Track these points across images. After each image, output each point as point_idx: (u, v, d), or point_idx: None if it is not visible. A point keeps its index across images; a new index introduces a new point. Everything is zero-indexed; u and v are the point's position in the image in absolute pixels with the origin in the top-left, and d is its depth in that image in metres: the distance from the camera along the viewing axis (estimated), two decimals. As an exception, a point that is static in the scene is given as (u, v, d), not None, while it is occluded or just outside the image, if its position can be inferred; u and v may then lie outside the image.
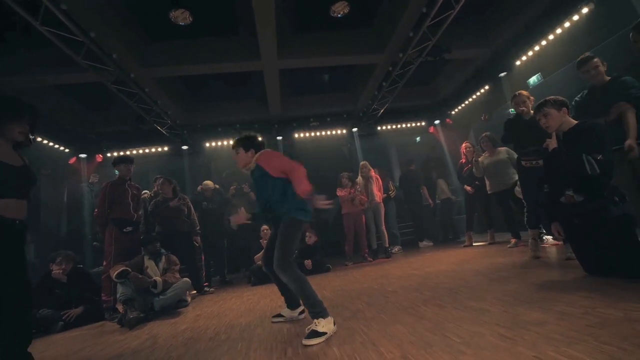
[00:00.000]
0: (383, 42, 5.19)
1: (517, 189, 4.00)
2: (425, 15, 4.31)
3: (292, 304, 2.43)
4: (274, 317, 2.47)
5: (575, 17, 4.54)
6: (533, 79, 5.47)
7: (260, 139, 2.47)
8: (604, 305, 1.58)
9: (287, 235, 2.11)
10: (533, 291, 2.04)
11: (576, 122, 2.32)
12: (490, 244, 4.89)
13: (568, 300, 1.73)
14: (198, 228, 4.84)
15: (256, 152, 2.36)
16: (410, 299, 2.37)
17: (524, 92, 3.34)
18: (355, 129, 7.92)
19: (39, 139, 5.86)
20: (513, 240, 4.18)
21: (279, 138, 7.68)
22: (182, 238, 4.57)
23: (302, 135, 7.82)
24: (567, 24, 4.69)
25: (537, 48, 5.29)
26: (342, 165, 7.43)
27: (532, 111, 3.20)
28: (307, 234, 5.17)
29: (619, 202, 2.02)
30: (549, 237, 3.83)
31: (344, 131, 8.02)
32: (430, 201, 6.71)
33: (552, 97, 2.38)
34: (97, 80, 4.65)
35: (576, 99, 2.92)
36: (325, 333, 1.83)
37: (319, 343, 1.78)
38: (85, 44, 3.86)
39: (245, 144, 2.37)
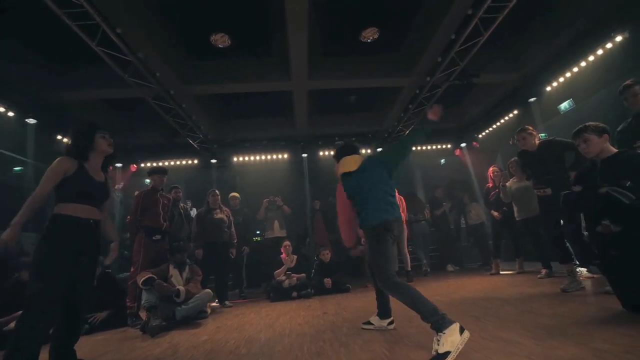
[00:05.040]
0: (411, 66, 5.27)
1: None
2: (454, 41, 4.37)
3: (382, 313, 2.41)
4: (363, 323, 2.47)
5: (609, 45, 4.46)
6: (565, 105, 5.36)
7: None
8: (647, 345, 1.49)
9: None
10: (567, 325, 1.94)
11: (616, 150, 2.27)
12: (518, 273, 4.69)
13: (606, 337, 1.64)
14: (235, 241, 4.99)
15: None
16: (434, 325, 2.30)
17: (527, 128, 3.42)
18: (380, 149, 7.95)
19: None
20: (544, 271, 3.98)
21: (304, 155, 7.83)
22: (222, 248, 4.79)
23: (327, 153, 7.93)
24: (600, 52, 4.62)
25: (568, 74, 5.20)
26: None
27: (536, 142, 3.36)
28: (323, 251, 5.15)
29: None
30: (583, 270, 3.62)
31: (369, 151, 8.06)
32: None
33: (592, 123, 2.33)
34: (139, 95, 5.00)
35: (622, 125, 2.87)
36: (448, 353, 1.52)
37: None
38: (132, 62, 4.20)
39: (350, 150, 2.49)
